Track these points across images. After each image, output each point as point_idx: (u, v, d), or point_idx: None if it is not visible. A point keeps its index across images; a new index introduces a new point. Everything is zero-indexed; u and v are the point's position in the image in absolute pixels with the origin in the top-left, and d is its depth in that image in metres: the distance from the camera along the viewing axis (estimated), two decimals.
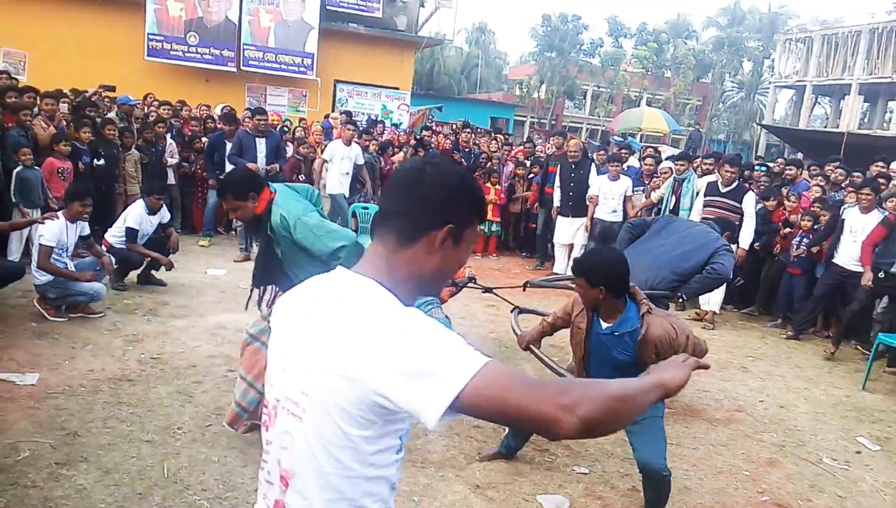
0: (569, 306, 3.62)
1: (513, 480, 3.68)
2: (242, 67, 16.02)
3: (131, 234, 6.44)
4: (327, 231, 3.40)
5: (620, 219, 8.65)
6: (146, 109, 10.57)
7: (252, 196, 3.45)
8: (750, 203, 7.31)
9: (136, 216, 6.49)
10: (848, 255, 6.80)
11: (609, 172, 8.76)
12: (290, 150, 9.49)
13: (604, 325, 3.31)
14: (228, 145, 8.53)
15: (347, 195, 9.36)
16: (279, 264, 3.55)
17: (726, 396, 5.39)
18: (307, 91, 16.96)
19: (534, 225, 10.22)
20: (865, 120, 39.93)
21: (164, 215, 6.85)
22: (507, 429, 3.84)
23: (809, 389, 5.79)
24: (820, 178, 8.06)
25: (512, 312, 4.49)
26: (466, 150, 10.53)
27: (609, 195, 8.70)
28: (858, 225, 6.74)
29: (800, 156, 21.51)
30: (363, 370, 1.11)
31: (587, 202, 8.89)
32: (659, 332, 3.16)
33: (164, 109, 9.85)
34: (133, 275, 6.73)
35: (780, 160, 9.47)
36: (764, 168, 9.17)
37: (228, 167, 8.50)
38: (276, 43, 16.22)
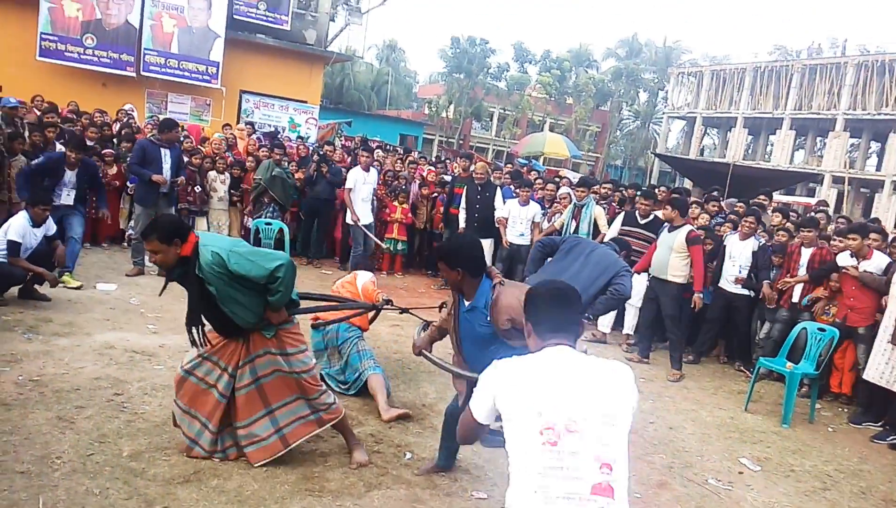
0: (448, 307, 3.78)
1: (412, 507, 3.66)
2: (143, 72, 15.43)
3: (13, 248, 6.01)
4: (262, 255, 3.59)
5: (528, 243, 8.91)
6: (34, 111, 9.96)
7: (176, 242, 3.48)
8: None
9: (18, 228, 6.07)
10: (728, 279, 7.36)
11: (519, 198, 9.02)
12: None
13: (466, 304, 3.49)
14: (68, 174, 7.19)
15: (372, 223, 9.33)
16: (212, 303, 3.60)
17: None
18: (211, 100, 16.51)
19: (438, 244, 10.31)
20: (749, 151, 42.73)
21: (51, 227, 6.46)
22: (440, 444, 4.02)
23: (697, 411, 6.07)
24: (704, 206, 8.55)
25: (418, 327, 4.55)
26: None
27: (518, 219, 8.98)
28: (737, 251, 7.31)
29: (688, 184, 22.67)
30: (636, 395, 2.22)
31: (496, 225, 9.11)
32: (510, 300, 3.25)
33: (48, 116, 9.23)
34: (14, 289, 6.29)
35: (662, 189, 9.77)
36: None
37: (66, 195, 7.23)
38: (180, 49, 15.74)
